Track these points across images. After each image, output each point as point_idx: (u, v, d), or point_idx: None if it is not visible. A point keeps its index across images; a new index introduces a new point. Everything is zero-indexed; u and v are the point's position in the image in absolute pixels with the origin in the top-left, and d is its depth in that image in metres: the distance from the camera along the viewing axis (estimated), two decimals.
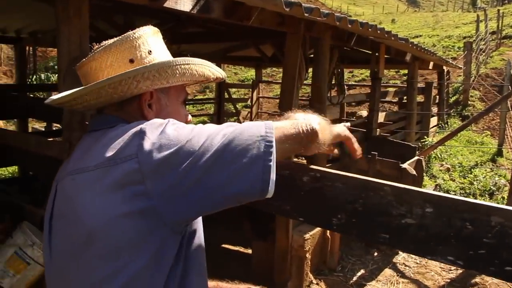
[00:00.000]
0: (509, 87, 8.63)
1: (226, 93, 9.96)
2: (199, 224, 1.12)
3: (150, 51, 1.13)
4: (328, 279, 4.23)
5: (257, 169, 0.92)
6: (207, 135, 0.95)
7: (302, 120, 1.07)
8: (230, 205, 0.96)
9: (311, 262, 4.06)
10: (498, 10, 20.06)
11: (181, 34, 5.49)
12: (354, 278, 4.39)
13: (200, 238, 1.11)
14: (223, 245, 5.09)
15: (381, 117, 7.46)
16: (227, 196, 0.93)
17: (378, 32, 4.36)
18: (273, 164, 0.93)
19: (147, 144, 0.94)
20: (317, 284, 4.08)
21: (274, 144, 0.95)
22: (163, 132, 0.96)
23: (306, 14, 3.01)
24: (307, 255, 3.96)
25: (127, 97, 1.08)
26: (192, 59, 1.12)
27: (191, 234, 1.07)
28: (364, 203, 1.06)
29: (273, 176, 0.93)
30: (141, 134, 0.96)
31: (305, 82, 4.57)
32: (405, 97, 9.00)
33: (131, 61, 1.10)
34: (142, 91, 1.08)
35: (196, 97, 15.84)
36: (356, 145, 1.31)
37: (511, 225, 0.93)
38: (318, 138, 1.07)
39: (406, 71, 12.13)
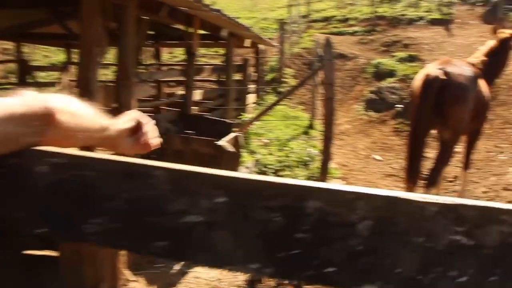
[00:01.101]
0: (318, 63, 9.17)
1: (31, 77, 8.80)
2: None
3: None
4: (148, 273, 3.85)
5: None
6: None
7: (35, 97, 0.77)
8: None
9: (127, 258, 3.64)
10: None
11: None
12: (177, 267, 4.09)
13: None
14: (26, 252, 4.35)
15: (199, 95, 7.25)
16: None
17: (189, 0, 4.05)
18: None
19: None
20: (136, 281, 3.67)
21: None
22: None
23: None
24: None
25: None
26: None
27: None
28: (130, 198, 0.70)
29: None
30: None
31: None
32: (223, 76, 8.98)
33: None
34: None
35: None
36: (150, 134, 1.01)
37: (332, 210, 0.67)
38: (55, 121, 0.77)
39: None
